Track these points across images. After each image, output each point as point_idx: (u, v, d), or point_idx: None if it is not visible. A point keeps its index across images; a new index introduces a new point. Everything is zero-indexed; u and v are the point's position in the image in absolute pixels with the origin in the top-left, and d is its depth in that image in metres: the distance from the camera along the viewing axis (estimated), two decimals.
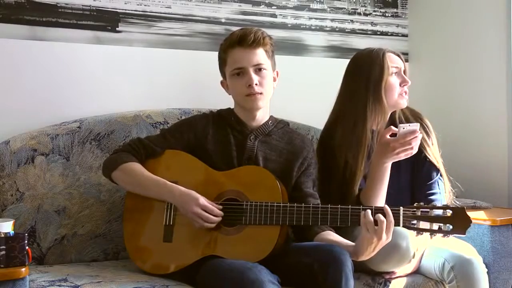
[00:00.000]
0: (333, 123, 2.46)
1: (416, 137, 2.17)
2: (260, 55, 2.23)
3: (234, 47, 2.23)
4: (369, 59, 2.40)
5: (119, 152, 2.26)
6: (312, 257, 2.02)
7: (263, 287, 1.88)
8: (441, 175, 2.42)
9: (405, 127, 2.17)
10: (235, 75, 2.23)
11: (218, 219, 2.11)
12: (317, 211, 2.08)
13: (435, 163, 2.41)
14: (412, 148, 2.18)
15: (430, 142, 2.43)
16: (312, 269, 1.99)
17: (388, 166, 2.25)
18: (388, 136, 2.20)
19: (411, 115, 2.47)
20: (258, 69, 2.23)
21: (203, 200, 2.11)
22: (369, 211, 2.02)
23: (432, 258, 2.33)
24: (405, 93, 2.39)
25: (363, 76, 2.38)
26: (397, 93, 2.38)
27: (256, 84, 2.21)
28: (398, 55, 2.43)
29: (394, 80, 2.38)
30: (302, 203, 2.19)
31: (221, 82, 2.33)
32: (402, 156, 2.21)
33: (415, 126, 2.18)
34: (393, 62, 2.38)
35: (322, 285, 1.97)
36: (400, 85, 2.38)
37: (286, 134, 2.35)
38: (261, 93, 2.22)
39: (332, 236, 2.17)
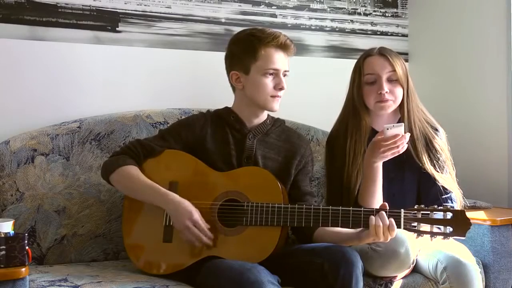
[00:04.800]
0: (338, 123, 2.49)
1: (401, 137, 2.18)
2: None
3: (276, 47, 2.23)
4: (356, 62, 2.44)
5: (117, 155, 2.25)
6: (322, 257, 2.02)
7: None
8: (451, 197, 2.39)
9: (389, 128, 2.19)
10: (267, 74, 2.22)
11: (207, 240, 2.09)
12: (318, 213, 2.08)
13: (448, 188, 2.38)
14: (397, 147, 2.19)
15: (441, 168, 2.38)
16: (322, 269, 2.00)
17: (378, 166, 2.26)
18: (379, 137, 2.22)
19: (430, 129, 2.43)
20: (284, 75, 2.26)
21: (196, 216, 2.09)
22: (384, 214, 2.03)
23: (426, 258, 2.33)
24: (383, 100, 2.35)
25: (351, 78, 2.44)
26: (374, 100, 2.37)
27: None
28: (388, 57, 2.37)
29: (369, 88, 2.38)
30: (300, 201, 2.23)
31: (232, 73, 2.26)
32: (389, 155, 2.22)
33: (399, 126, 2.19)
34: (370, 69, 2.37)
35: (332, 286, 1.98)
36: (376, 92, 2.36)
37: (284, 132, 2.36)
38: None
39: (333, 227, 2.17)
